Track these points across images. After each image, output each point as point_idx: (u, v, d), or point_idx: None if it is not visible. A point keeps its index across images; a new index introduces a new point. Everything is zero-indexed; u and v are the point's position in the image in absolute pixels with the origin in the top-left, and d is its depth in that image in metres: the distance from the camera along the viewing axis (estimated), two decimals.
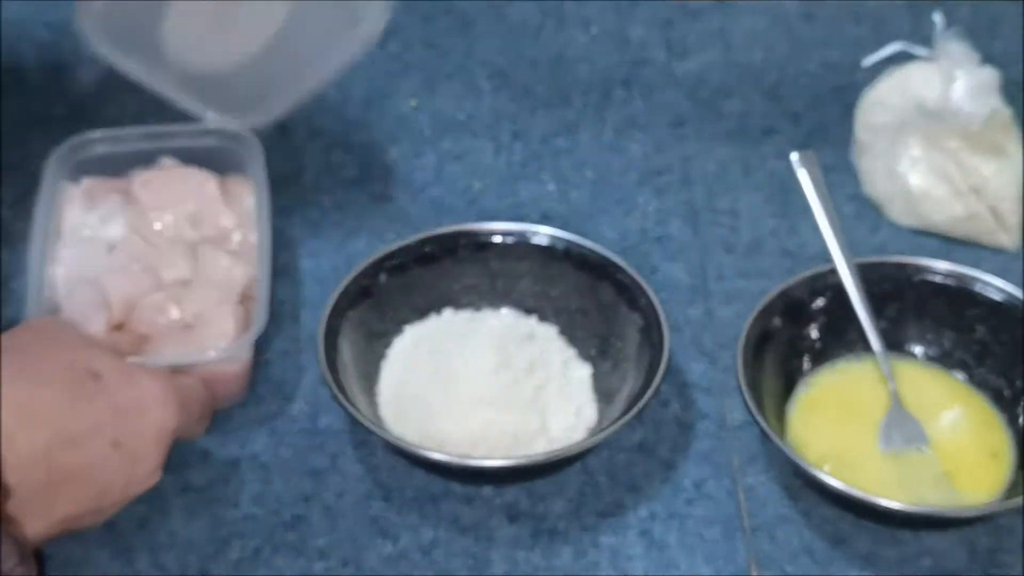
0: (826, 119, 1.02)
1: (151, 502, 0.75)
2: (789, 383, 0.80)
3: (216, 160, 0.86)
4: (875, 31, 1.10)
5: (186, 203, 0.83)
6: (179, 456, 0.78)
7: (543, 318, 0.83)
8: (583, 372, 0.80)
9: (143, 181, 0.85)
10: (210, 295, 0.78)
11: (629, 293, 0.80)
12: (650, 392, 0.74)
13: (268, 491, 0.76)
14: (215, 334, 0.77)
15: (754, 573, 0.73)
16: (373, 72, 1.04)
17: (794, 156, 0.86)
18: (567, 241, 0.82)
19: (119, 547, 0.73)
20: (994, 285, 0.80)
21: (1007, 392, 0.79)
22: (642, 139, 1.00)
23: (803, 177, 0.85)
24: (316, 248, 0.91)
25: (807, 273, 0.81)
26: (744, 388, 0.74)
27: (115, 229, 0.82)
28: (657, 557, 0.73)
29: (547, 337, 0.82)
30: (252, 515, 0.75)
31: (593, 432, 0.76)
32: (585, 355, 0.81)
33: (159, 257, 0.80)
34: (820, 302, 0.81)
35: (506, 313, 0.83)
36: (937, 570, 0.73)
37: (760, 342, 0.78)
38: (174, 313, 0.77)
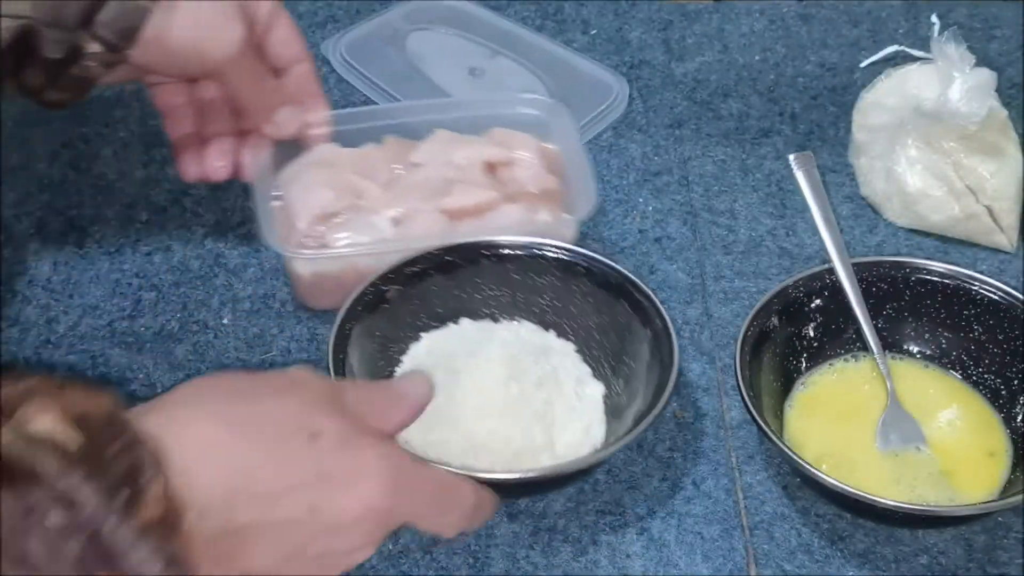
0: (824, 120, 1.03)
1: None
2: (787, 382, 0.80)
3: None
4: (872, 32, 1.11)
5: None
6: None
7: (561, 334, 0.82)
8: (596, 390, 0.79)
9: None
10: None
11: (644, 313, 0.78)
12: (655, 412, 0.72)
13: None
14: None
15: (752, 571, 0.73)
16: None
17: (792, 157, 0.87)
18: (588, 257, 0.81)
19: None
20: (991, 285, 0.80)
21: (1004, 391, 0.79)
22: (641, 140, 1.01)
23: (800, 178, 0.86)
24: None
25: (805, 273, 0.82)
26: (742, 387, 0.74)
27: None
28: (656, 555, 0.74)
29: (563, 353, 0.81)
30: None
31: (597, 451, 0.75)
32: (599, 374, 0.80)
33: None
34: (818, 302, 0.82)
35: (524, 326, 0.82)
36: (934, 568, 0.73)
37: (758, 342, 0.78)
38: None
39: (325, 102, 0.87)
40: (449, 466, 0.70)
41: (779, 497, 0.77)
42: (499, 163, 0.88)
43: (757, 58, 1.09)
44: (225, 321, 0.86)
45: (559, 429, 0.76)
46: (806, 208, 0.85)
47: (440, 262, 0.81)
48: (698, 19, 1.13)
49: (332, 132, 0.87)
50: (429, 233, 0.83)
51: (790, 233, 0.93)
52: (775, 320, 0.80)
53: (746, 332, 0.77)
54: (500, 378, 0.76)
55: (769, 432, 0.72)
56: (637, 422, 0.73)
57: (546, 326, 0.82)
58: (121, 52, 0.74)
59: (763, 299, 0.80)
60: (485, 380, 0.76)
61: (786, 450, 0.72)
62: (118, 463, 0.52)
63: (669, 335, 0.76)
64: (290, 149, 0.87)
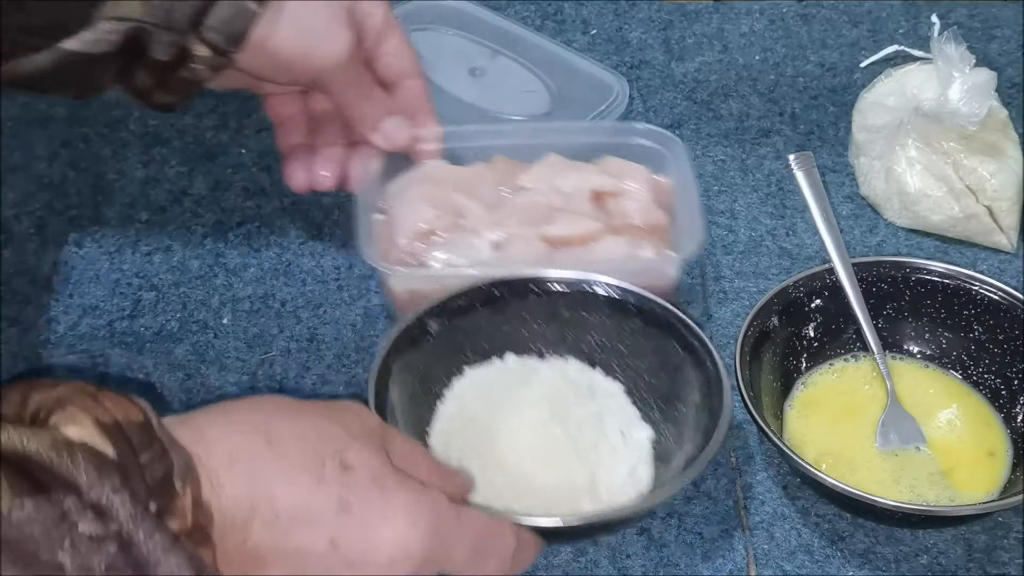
0: (823, 120, 1.03)
1: None
2: (787, 382, 0.80)
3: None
4: (872, 32, 1.11)
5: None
6: None
7: (609, 373, 0.79)
8: (643, 434, 0.76)
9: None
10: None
11: (695, 355, 0.76)
12: (702, 461, 0.69)
13: None
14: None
15: (752, 571, 0.73)
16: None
17: (792, 157, 0.87)
18: (638, 296, 0.78)
19: None
20: (991, 285, 0.80)
21: (1004, 391, 0.79)
22: None
23: (800, 178, 0.86)
24: (318, 248, 0.91)
25: (804, 273, 0.82)
26: (742, 387, 0.74)
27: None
28: (656, 555, 0.74)
29: (610, 393, 0.78)
30: None
31: (641, 497, 0.73)
32: (648, 416, 0.77)
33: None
34: (817, 302, 0.82)
35: (571, 364, 0.79)
36: (934, 568, 0.73)
37: (758, 341, 0.78)
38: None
39: (436, 119, 0.86)
40: (487, 508, 0.67)
41: (779, 497, 0.77)
42: (607, 193, 0.86)
43: (757, 58, 1.09)
44: (225, 321, 0.86)
45: (602, 472, 0.73)
46: (806, 208, 0.85)
47: (488, 296, 0.79)
48: (698, 19, 1.13)
49: (441, 149, 0.87)
50: (527, 259, 0.81)
51: (790, 233, 0.93)
52: (775, 320, 0.80)
53: (746, 332, 0.77)
54: (542, 419, 0.74)
55: (769, 432, 0.72)
56: (686, 467, 0.70)
57: (593, 364, 0.80)
58: (228, 56, 0.74)
59: (763, 299, 0.80)
60: (526, 420, 0.74)
61: (786, 450, 0.72)
62: (151, 472, 0.52)
63: (720, 380, 0.73)
64: (398, 164, 0.86)
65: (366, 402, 0.70)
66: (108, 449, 0.51)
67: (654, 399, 0.77)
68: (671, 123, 1.02)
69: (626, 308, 0.79)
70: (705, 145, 1.00)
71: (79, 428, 0.51)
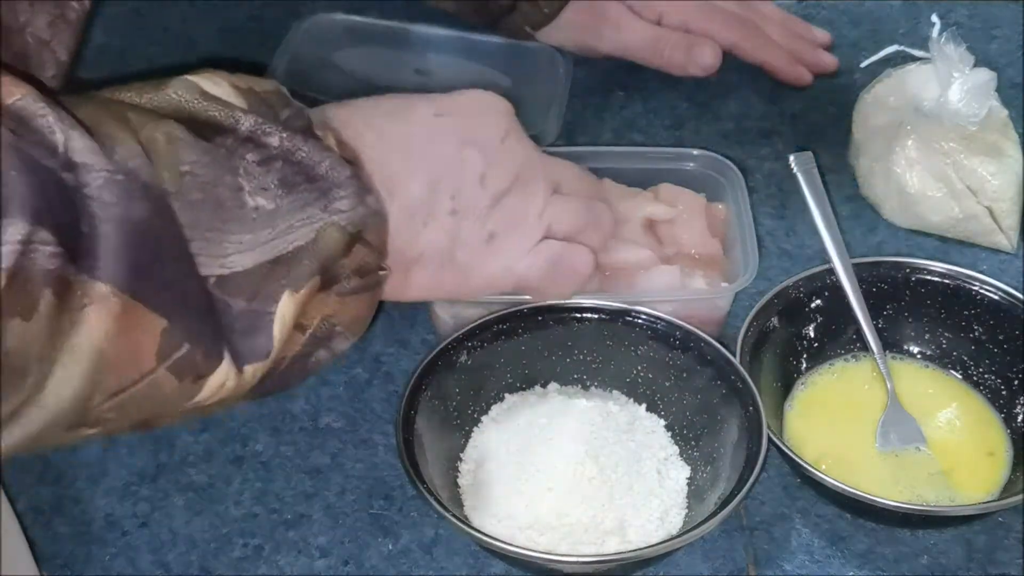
0: (824, 120, 1.03)
1: (153, 500, 0.76)
2: (787, 383, 0.80)
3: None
4: (872, 32, 1.11)
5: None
6: (181, 454, 0.78)
7: (651, 408, 0.78)
8: (681, 474, 0.75)
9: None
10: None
11: (739, 396, 0.74)
12: (731, 506, 0.68)
13: (269, 489, 0.76)
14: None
15: (752, 571, 0.73)
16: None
17: (792, 157, 0.87)
18: (685, 331, 0.77)
19: (121, 545, 0.74)
20: (991, 285, 0.80)
21: (1004, 391, 0.79)
22: (641, 141, 1.01)
23: (800, 178, 0.86)
24: None
25: (805, 273, 0.82)
26: None
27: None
28: None
29: (650, 430, 0.77)
30: (253, 513, 0.75)
31: (670, 537, 0.71)
32: (687, 455, 0.76)
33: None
34: (818, 302, 0.82)
35: (613, 396, 0.79)
36: (935, 568, 0.73)
37: (758, 342, 0.78)
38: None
39: None
40: (510, 544, 0.68)
41: (779, 497, 0.77)
42: (660, 220, 0.85)
43: None
44: None
45: (632, 513, 0.72)
46: (806, 208, 0.85)
47: (532, 322, 0.78)
48: None
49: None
50: None
51: (790, 233, 0.93)
52: (775, 320, 0.80)
53: (746, 332, 0.77)
54: (577, 455, 0.73)
55: (769, 432, 0.72)
56: (718, 507, 0.69)
57: (637, 399, 0.79)
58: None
59: (763, 299, 0.80)
60: (561, 456, 0.73)
61: (786, 450, 0.72)
62: (291, 124, 0.62)
63: (760, 423, 0.72)
64: None
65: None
66: (246, 101, 0.61)
67: (694, 436, 0.76)
68: (671, 123, 1.02)
69: (672, 342, 0.77)
70: (705, 146, 1.00)
71: (215, 87, 0.60)
